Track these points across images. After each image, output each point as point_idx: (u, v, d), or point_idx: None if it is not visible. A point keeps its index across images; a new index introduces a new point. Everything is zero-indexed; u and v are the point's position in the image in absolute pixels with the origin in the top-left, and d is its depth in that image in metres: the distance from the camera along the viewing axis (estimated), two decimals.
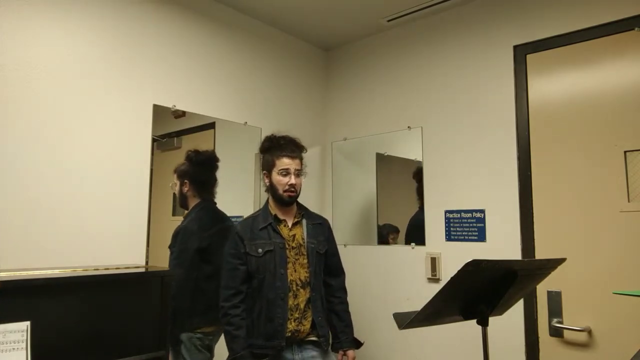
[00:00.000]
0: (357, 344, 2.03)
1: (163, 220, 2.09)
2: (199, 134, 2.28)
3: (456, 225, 2.29)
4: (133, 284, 1.53)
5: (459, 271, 1.12)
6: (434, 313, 1.26)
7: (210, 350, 2.06)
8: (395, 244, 2.53)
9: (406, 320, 1.23)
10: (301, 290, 1.94)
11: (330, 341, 2.02)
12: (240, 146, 2.47)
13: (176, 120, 2.19)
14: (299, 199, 2.06)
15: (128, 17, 2.02)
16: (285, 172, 1.97)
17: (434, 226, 2.38)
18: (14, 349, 1.18)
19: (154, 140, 2.06)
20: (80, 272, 1.49)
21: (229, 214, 2.33)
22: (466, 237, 2.24)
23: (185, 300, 2.03)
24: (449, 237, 2.31)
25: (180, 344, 1.99)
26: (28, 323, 1.22)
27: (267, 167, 2.03)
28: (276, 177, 1.98)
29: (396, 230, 2.55)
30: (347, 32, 2.77)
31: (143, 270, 1.65)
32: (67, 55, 1.82)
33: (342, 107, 2.93)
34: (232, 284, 1.93)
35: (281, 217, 2.01)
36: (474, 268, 1.12)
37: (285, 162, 1.98)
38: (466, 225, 2.25)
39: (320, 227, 2.08)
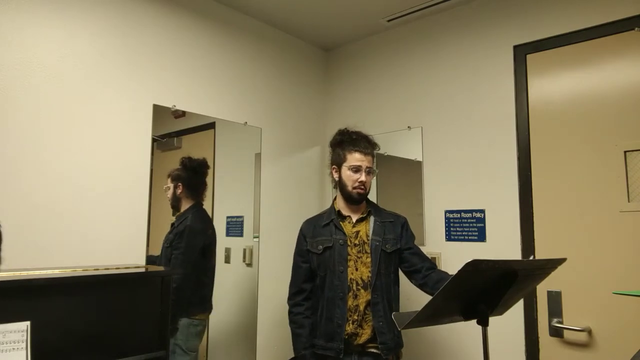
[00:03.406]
0: None
1: (163, 220, 2.10)
2: (199, 134, 2.28)
3: (456, 225, 2.29)
4: (133, 284, 1.52)
5: (459, 271, 1.11)
6: (434, 313, 1.26)
7: (201, 336, 2.20)
8: None
9: (406, 321, 1.23)
10: (362, 290, 1.83)
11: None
12: (240, 146, 2.47)
13: (176, 120, 2.19)
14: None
15: (128, 17, 2.02)
16: (357, 169, 1.90)
17: (434, 226, 2.38)
18: (14, 349, 1.18)
19: (154, 140, 2.06)
20: (80, 272, 1.49)
21: (228, 214, 2.34)
22: (466, 237, 2.24)
23: (188, 291, 2.16)
24: (449, 237, 2.31)
25: (177, 330, 2.08)
26: (28, 323, 1.22)
27: (337, 162, 1.97)
28: (346, 173, 1.92)
29: None
30: (347, 32, 2.77)
31: (143, 270, 1.65)
32: (67, 55, 1.82)
33: (342, 107, 2.93)
34: (294, 281, 1.95)
35: (345, 213, 1.95)
36: (474, 268, 1.12)
37: (357, 158, 1.90)
38: (466, 225, 2.25)
39: (391, 225, 1.94)
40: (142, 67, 2.05)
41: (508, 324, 2.04)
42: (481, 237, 2.19)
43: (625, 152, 1.83)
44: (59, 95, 1.79)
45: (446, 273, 1.86)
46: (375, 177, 2.64)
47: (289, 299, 1.97)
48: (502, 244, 2.13)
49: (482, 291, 1.27)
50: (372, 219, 1.95)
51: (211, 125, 2.33)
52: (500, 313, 1.41)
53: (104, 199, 1.88)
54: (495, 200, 2.17)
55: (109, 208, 1.89)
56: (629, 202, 1.81)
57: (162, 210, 2.10)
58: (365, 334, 1.81)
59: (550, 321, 1.96)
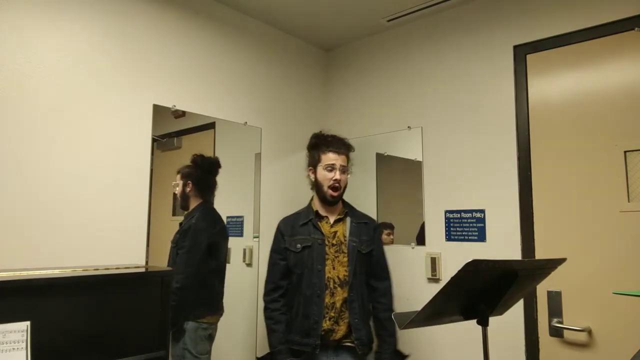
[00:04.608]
0: (401, 357, 1.97)
1: (163, 220, 2.10)
2: (199, 134, 2.28)
3: (456, 225, 2.29)
4: (133, 284, 1.52)
5: (459, 271, 1.12)
6: (434, 313, 1.26)
7: (211, 339, 2.14)
8: (392, 243, 2.53)
9: (406, 320, 1.23)
10: (339, 288, 1.90)
11: (374, 348, 1.96)
12: (240, 146, 2.47)
13: (176, 120, 2.19)
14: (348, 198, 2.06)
15: (128, 17, 2.02)
16: (331, 168, 1.97)
17: (434, 226, 2.38)
18: (14, 349, 1.18)
19: (154, 140, 2.06)
20: (80, 272, 1.49)
21: (228, 214, 2.34)
22: (466, 237, 2.24)
23: (193, 292, 2.11)
24: (449, 237, 2.31)
25: (184, 333, 2.04)
26: (28, 323, 1.22)
27: (312, 163, 2.05)
28: (321, 173, 1.98)
29: (391, 227, 2.56)
30: (347, 32, 2.77)
31: (143, 270, 1.65)
32: (67, 56, 1.82)
33: (342, 107, 2.93)
34: (271, 278, 1.99)
35: (323, 213, 2.01)
36: (474, 268, 1.12)
37: (331, 157, 1.98)
38: (466, 225, 2.25)
39: (365, 227, 2.03)
40: (142, 67, 2.05)
41: (508, 324, 2.04)
42: (481, 237, 2.19)
43: (625, 152, 1.83)
44: (59, 95, 1.79)
45: (386, 330, 1.97)
46: (375, 178, 2.65)
47: (266, 294, 1.99)
48: (502, 244, 2.13)
49: (482, 291, 1.27)
50: (348, 220, 2.02)
51: (211, 125, 2.33)
52: (500, 313, 1.41)
53: (103, 198, 1.88)
54: (495, 200, 2.17)
55: (109, 208, 1.89)
56: (629, 202, 1.81)
57: (162, 211, 2.10)
58: (341, 330, 1.88)
59: (550, 321, 1.96)
